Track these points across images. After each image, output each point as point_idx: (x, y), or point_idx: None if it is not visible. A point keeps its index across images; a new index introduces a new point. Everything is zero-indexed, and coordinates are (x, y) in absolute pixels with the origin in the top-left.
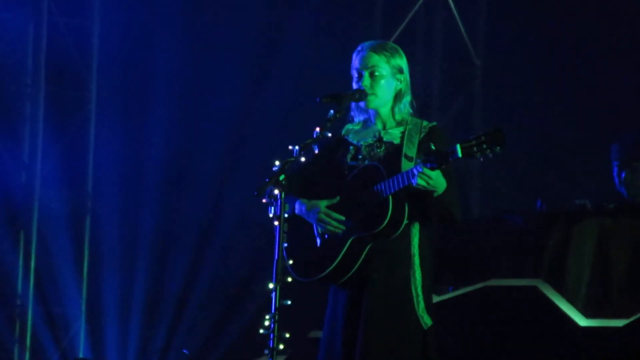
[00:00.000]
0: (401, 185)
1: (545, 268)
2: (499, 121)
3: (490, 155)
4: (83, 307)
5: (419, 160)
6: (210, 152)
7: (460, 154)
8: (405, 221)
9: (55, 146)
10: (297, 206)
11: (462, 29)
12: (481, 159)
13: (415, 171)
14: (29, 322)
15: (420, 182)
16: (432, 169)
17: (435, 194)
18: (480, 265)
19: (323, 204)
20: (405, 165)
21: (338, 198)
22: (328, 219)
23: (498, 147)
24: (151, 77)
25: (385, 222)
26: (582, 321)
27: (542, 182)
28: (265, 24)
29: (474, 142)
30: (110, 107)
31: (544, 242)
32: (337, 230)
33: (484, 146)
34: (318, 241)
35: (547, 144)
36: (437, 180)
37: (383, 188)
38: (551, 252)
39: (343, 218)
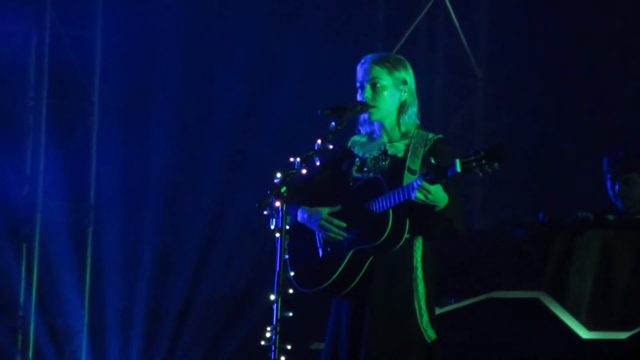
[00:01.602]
0: (401, 199)
1: (548, 280)
2: (500, 133)
3: (490, 171)
4: (85, 319)
5: (419, 174)
6: (212, 163)
7: (459, 169)
8: (406, 235)
9: (57, 157)
10: (299, 213)
11: (464, 41)
12: (480, 175)
13: (415, 185)
14: (31, 334)
15: (419, 196)
16: (431, 182)
17: (437, 209)
18: (482, 278)
19: (325, 210)
20: (408, 178)
21: (340, 207)
22: (329, 225)
23: (497, 164)
24: (154, 88)
25: (385, 235)
26: (584, 333)
27: (544, 194)
28: (267, 35)
29: (473, 158)
30: (113, 119)
31: (546, 254)
32: (338, 237)
33: (483, 162)
34: (320, 252)
35: (550, 156)
36: (436, 194)
37: (383, 201)
38: (553, 264)
39: (344, 224)
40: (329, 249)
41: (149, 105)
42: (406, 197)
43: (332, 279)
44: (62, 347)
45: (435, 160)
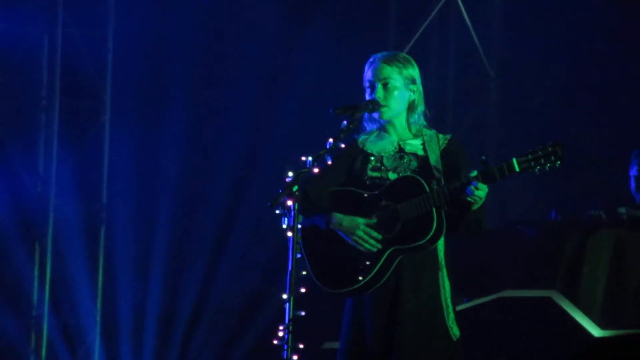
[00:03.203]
0: (450, 198)
1: (560, 279)
2: (512, 132)
3: (548, 169)
4: (98, 318)
5: (469, 174)
6: (224, 163)
7: (517, 169)
8: (444, 233)
9: (70, 157)
10: (333, 220)
11: (476, 41)
12: (538, 174)
13: (470, 183)
14: (45, 333)
15: (479, 193)
16: (485, 182)
17: (475, 207)
18: (494, 276)
19: (362, 221)
20: (439, 177)
21: (375, 214)
22: (367, 237)
23: (558, 162)
24: (165, 88)
25: (431, 234)
26: (596, 332)
27: (556, 193)
28: (278, 35)
29: (530, 157)
30: (125, 118)
31: (558, 253)
32: (372, 249)
33: (542, 161)
34: (349, 252)
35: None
36: (485, 194)
37: (428, 200)
38: (566, 262)
39: (380, 237)
40: (361, 249)
41: (161, 104)
42: (457, 196)
43: (367, 279)
44: (75, 346)
45: (451, 159)
